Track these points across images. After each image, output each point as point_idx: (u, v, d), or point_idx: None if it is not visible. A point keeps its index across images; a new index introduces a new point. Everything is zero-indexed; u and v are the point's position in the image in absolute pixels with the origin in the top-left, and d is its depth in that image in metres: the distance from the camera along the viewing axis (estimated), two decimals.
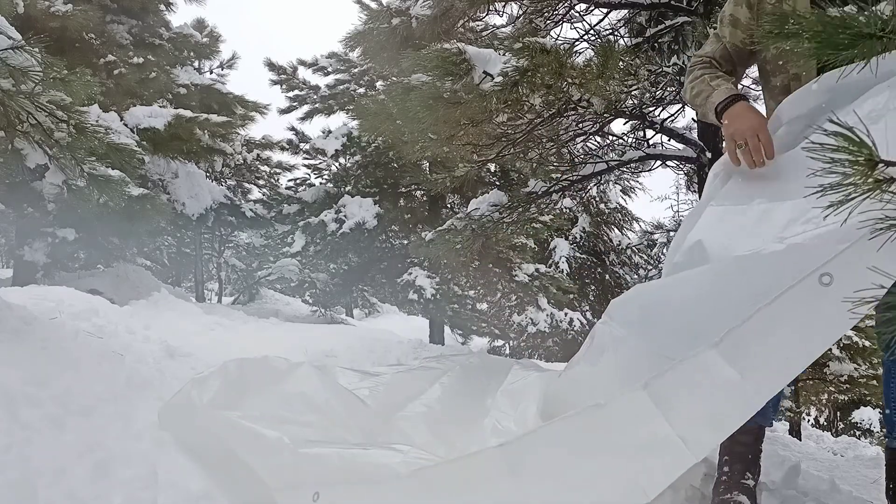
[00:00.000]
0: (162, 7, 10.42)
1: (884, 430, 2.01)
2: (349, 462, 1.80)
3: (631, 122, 4.93)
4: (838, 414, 11.65)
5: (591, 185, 5.68)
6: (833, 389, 8.96)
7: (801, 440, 6.14)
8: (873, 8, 1.08)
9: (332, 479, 1.78)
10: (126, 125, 7.85)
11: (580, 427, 1.43)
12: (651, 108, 4.67)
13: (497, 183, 9.11)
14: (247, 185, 15.35)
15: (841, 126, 0.98)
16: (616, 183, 9.48)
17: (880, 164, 0.98)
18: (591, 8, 4.57)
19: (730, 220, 1.68)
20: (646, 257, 11.87)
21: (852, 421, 11.32)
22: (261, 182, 15.37)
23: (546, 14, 4.72)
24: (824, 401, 10.63)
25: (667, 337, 1.62)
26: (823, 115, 1.68)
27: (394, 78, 5.81)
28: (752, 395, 1.30)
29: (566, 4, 4.63)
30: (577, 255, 11.00)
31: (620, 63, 3.87)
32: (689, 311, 1.58)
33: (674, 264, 1.77)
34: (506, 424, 2.31)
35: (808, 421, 11.42)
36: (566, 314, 10.31)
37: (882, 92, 1.49)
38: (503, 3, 4.52)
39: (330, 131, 11.91)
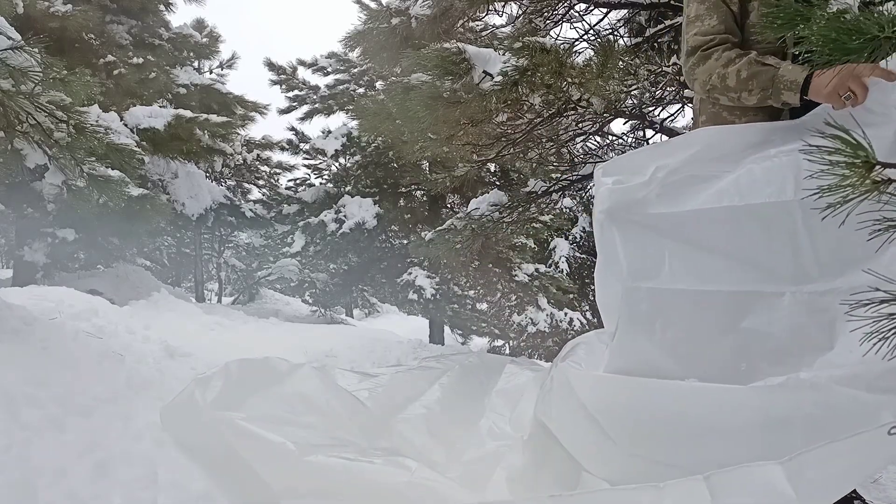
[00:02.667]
0: (162, 7, 10.43)
1: None
2: (355, 476, 1.80)
3: (631, 122, 4.93)
4: None
5: (591, 185, 5.67)
6: None
7: None
8: (880, 8, 1.06)
9: (340, 492, 1.78)
10: (126, 125, 7.85)
11: (631, 500, 1.46)
12: (651, 108, 4.67)
13: (497, 183, 9.11)
14: (247, 185, 15.35)
15: (837, 128, 0.98)
16: None
17: (877, 166, 0.98)
18: (590, 8, 4.57)
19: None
20: None
21: None
22: (261, 182, 15.38)
23: (546, 14, 4.72)
24: None
25: (678, 451, 1.63)
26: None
27: (393, 78, 5.81)
28: None
29: (566, 4, 4.63)
30: (577, 255, 10.98)
31: (620, 63, 3.87)
32: (727, 437, 1.59)
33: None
34: (502, 426, 2.32)
35: None
36: (566, 314, 10.28)
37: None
38: (503, 3, 4.52)
39: (330, 131, 11.91)
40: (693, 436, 1.62)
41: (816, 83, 1.67)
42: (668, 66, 4.36)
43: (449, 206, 10.74)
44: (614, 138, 5.38)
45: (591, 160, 5.06)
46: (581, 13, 4.65)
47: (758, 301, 1.65)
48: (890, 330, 1.10)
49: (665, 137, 4.76)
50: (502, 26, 5.02)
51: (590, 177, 4.93)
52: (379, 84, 11.27)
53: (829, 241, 1.59)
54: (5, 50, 2.43)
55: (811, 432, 1.47)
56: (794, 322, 1.60)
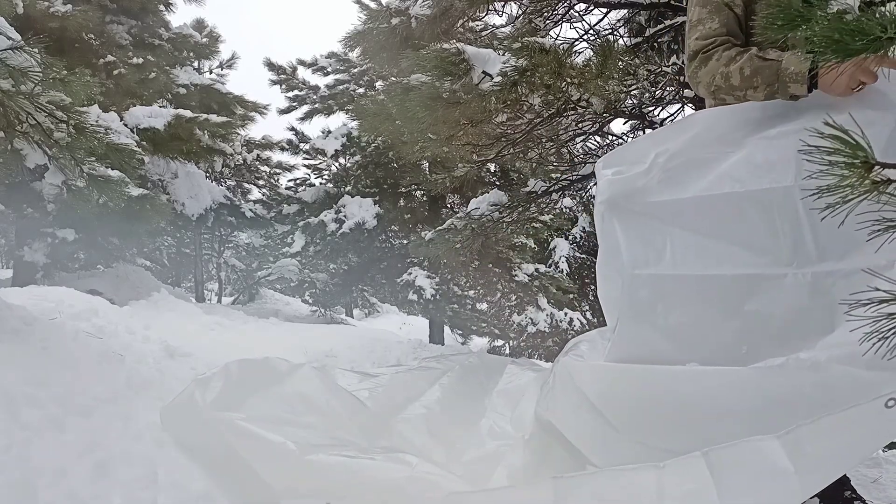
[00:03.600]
0: (161, 7, 10.43)
1: None
2: (356, 474, 1.80)
3: (630, 122, 4.93)
4: None
5: (591, 184, 5.68)
6: None
7: None
8: (882, 8, 1.06)
9: (340, 491, 1.78)
10: (126, 125, 7.85)
11: (632, 480, 1.46)
12: (651, 108, 4.67)
13: (497, 183, 9.11)
14: (247, 185, 15.36)
15: (836, 128, 0.98)
16: None
17: (877, 167, 0.98)
18: (590, 8, 4.57)
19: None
20: None
21: None
22: (261, 182, 15.38)
23: (545, 14, 4.72)
24: None
25: (680, 436, 1.63)
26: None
27: (393, 78, 5.81)
28: (798, 488, 1.36)
29: (566, 4, 4.63)
30: (577, 255, 10.98)
31: (619, 63, 3.87)
32: (726, 418, 1.59)
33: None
34: (502, 426, 2.32)
35: None
36: (566, 314, 10.29)
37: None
38: (503, 3, 4.52)
39: (330, 131, 11.92)
40: (694, 420, 1.62)
41: (825, 83, 1.64)
42: (668, 66, 4.36)
43: (449, 206, 10.74)
44: (614, 138, 5.38)
45: (591, 160, 5.06)
46: (581, 13, 4.65)
47: (761, 283, 1.64)
48: (890, 330, 1.10)
49: None
50: (502, 26, 5.03)
51: (590, 177, 4.93)
52: (379, 84, 11.28)
53: (831, 224, 1.59)
54: (5, 50, 2.43)
55: (811, 412, 1.46)
56: (796, 303, 1.60)
